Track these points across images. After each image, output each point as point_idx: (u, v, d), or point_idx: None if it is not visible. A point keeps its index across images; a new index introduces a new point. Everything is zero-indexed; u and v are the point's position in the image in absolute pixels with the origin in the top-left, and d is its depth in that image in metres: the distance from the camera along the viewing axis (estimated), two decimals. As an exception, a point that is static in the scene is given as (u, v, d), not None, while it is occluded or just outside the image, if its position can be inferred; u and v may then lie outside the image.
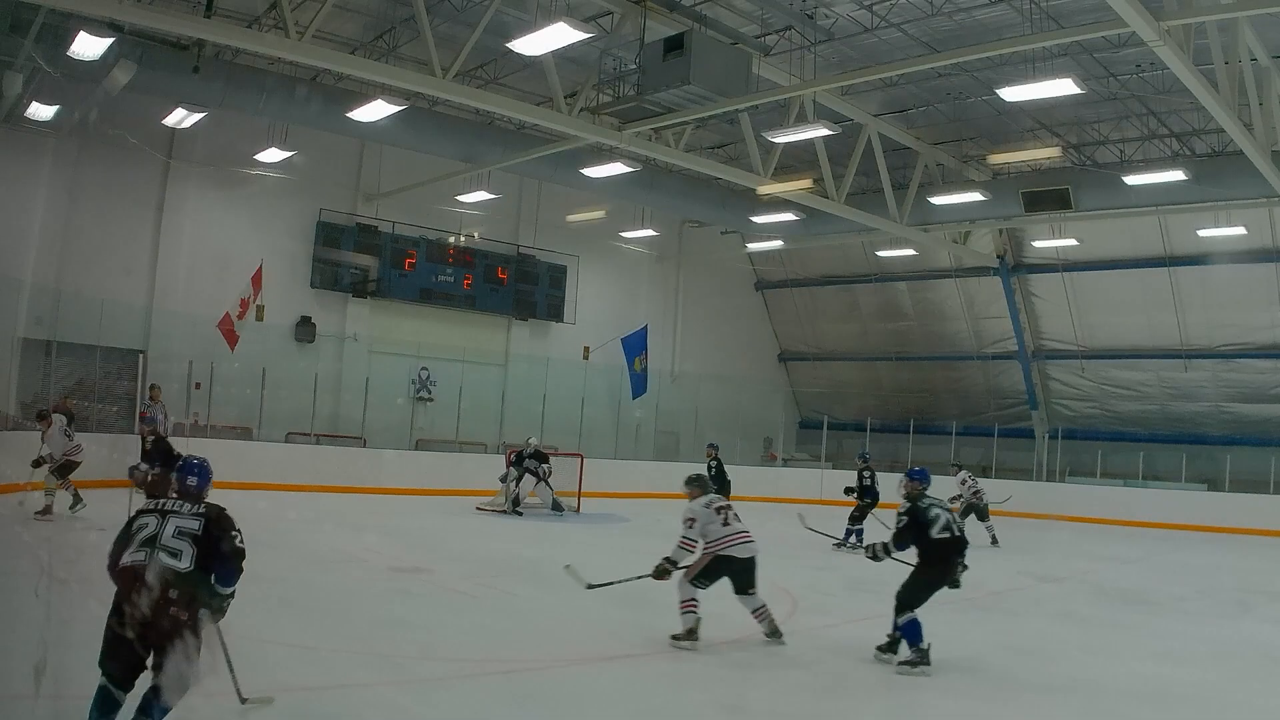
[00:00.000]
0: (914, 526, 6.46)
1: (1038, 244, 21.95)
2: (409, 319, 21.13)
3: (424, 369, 21.14)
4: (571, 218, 22.45)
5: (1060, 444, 23.43)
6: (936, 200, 18.51)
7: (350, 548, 10.96)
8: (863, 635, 7.85)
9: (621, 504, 15.97)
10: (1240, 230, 18.03)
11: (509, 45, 12.33)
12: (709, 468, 14.86)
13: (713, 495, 7.21)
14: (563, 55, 13.41)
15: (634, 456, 22.39)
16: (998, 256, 22.83)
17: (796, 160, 18.33)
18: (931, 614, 9.35)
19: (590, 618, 8.02)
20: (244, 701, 4.65)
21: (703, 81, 12.38)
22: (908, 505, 6.58)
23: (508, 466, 15.89)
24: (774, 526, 15.72)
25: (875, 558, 6.84)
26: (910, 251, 22.95)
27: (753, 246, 24.78)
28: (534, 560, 10.94)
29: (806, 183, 17.65)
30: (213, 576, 4.19)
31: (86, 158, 16.82)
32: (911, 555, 6.59)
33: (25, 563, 8.28)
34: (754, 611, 7.02)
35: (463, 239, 21.84)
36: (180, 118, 15.83)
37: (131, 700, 4.04)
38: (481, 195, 20.04)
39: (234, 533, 4.31)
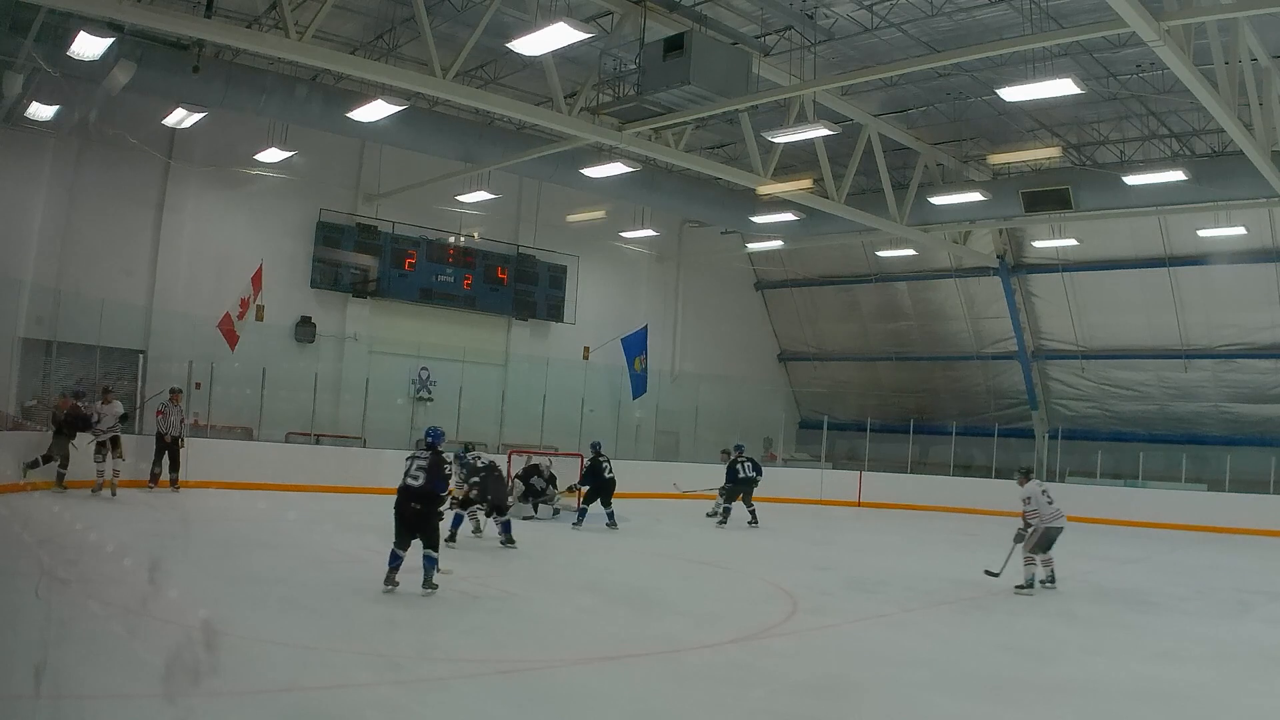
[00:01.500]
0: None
1: (1038, 244, 21.94)
2: (409, 319, 21.12)
3: (424, 369, 21.13)
4: (571, 218, 22.44)
5: (1060, 444, 23.40)
6: (936, 200, 18.50)
7: (350, 548, 10.95)
8: (863, 635, 7.86)
9: (621, 504, 15.94)
10: (1240, 230, 18.02)
11: (509, 45, 12.33)
12: (601, 466, 14.63)
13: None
14: (563, 55, 13.41)
15: (634, 456, 22.33)
16: (998, 256, 22.82)
17: (796, 160, 18.31)
18: (932, 613, 9.35)
19: (590, 618, 8.03)
20: (440, 571, 8.29)
21: (703, 81, 12.38)
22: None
23: (512, 480, 15.42)
24: (772, 527, 15.77)
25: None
26: (910, 251, 22.94)
27: (753, 246, 24.77)
28: (534, 560, 10.94)
29: (806, 183, 17.64)
30: (435, 487, 8.27)
31: (86, 158, 16.81)
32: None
33: (25, 563, 8.27)
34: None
35: (463, 239, 21.84)
36: (180, 118, 15.82)
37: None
38: (481, 195, 20.04)
39: (445, 465, 8.37)
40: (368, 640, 6.58)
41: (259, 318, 17.41)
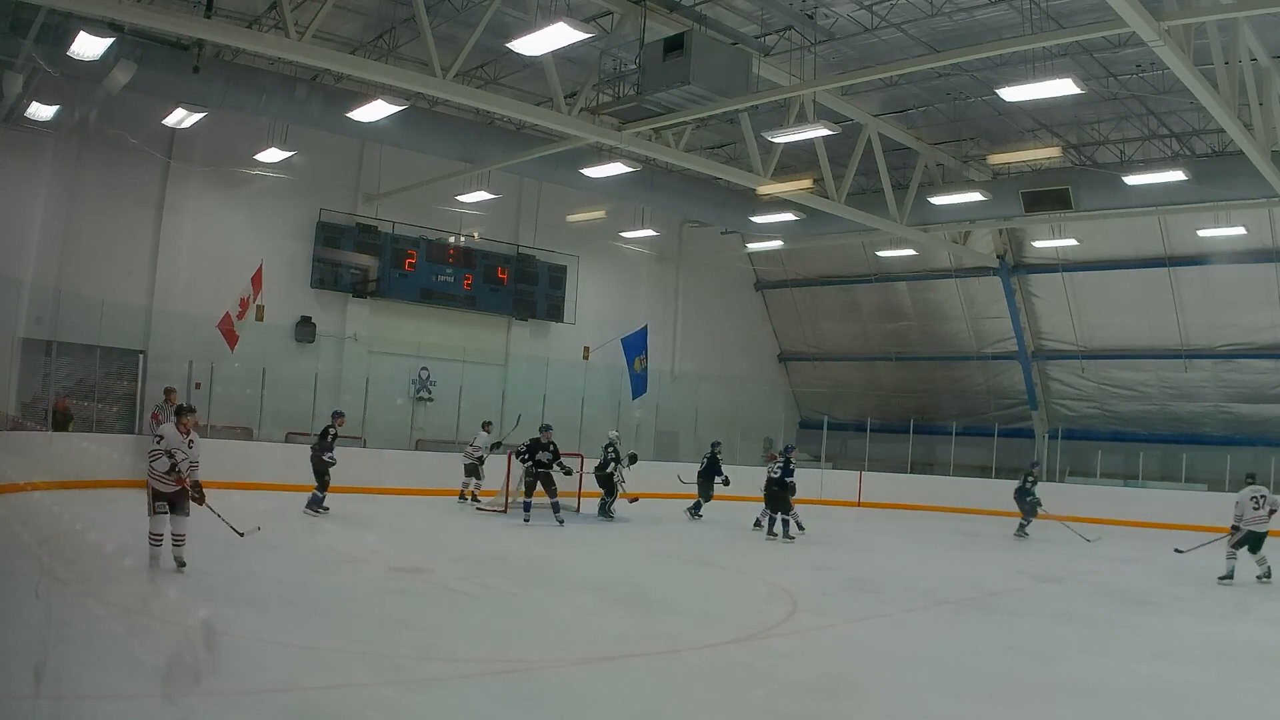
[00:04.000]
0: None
1: (1038, 244, 21.93)
2: (409, 319, 21.11)
3: (424, 369, 21.13)
4: (571, 218, 22.43)
5: (1060, 444, 23.40)
6: (936, 200, 18.49)
7: (350, 548, 10.97)
8: (863, 635, 7.86)
9: (621, 504, 15.99)
10: (1240, 230, 18.01)
11: (509, 45, 12.32)
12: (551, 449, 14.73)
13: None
14: (563, 55, 13.41)
15: (634, 456, 22.36)
16: (998, 256, 22.82)
17: (796, 160, 18.31)
18: (932, 613, 9.35)
19: (590, 618, 8.03)
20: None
21: (703, 81, 12.38)
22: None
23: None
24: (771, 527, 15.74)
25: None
26: (910, 251, 22.92)
27: (753, 246, 24.76)
28: (534, 560, 10.95)
29: (806, 183, 17.63)
30: (785, 475, 13.85)
31: (86, 158, 16.81)
32: None
33: (25, 563, 8.28)
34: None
35: (463, 239, 21.83)
36: (180, 118, 15.82)
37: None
38: (481, 195, 20.03)
39: (791, 462, 13.88)
40: (368, 640, 6.58)
41: (259, 318, 17.40)
